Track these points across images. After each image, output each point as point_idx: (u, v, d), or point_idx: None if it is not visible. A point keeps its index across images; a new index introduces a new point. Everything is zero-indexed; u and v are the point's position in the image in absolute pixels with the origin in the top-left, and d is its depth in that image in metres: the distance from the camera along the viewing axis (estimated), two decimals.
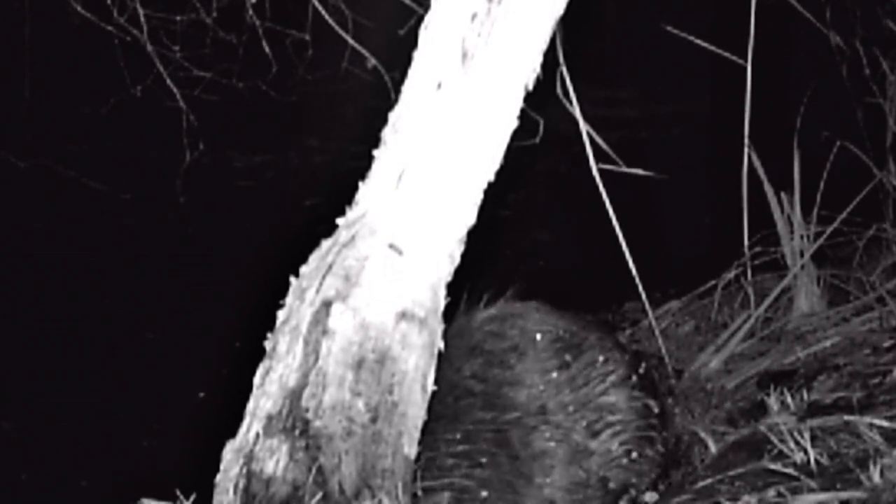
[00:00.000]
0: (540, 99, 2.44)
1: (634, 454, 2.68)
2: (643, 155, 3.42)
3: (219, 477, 2.19)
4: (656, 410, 2.74)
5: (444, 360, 2.30)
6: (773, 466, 2.40)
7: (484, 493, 2.49)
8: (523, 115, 2.32)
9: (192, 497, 2.27)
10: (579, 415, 2.66)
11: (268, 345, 2.25)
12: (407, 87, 2.30)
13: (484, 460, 2.50)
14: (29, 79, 5.06)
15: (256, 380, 2.23)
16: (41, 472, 3.52)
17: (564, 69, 2.94)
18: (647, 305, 3.36)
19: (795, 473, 2.33)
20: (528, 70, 2.28)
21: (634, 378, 2.73)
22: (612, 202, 3.06)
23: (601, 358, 2.72)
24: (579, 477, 2.61)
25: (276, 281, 2.31)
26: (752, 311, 3.67)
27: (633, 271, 3.15)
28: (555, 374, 2.67)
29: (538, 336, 2.71)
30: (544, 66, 2.32)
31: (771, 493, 2.27)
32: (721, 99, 4.10)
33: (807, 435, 2.44)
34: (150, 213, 5.63)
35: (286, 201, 5.89)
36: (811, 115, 3.99)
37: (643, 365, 2.79)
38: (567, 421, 2.64)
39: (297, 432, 2.14)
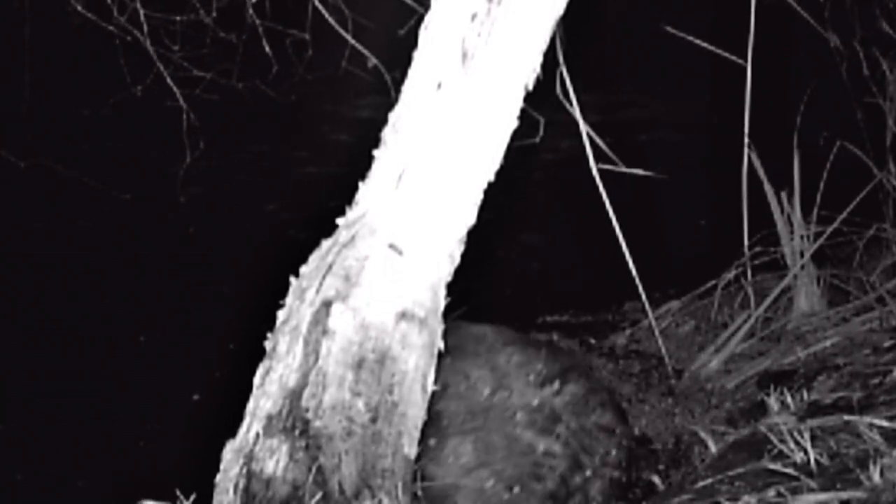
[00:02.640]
0: (540, 99, 2.44)
1: (558, 446, 2.65)
2: (643, 155, 3.42)
3: (219, 477, 2.19)
4: (588, 404, 2.71)
5: None
6: (773, 466, 2.39)
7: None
8: (523, 115, 2.32)
9: (192, 497, 2.26)
10: (483, 414, 2.66)
11: (268, 345, 2.25)
12: (407, 87, 2.30)
13: None
14: (29, 79, 5.05)
15: (256, 380, 2.23)
16: (40, 472, 3.51)
17: (564, 69, 2.94)
18: (647, 305, 3.36)
19: (795, 473, 2.32)
20: (528, 70, 2.28)
21: (558, 383, 2.71)
22: (612, 202, 3.06)
23: (516, 358, 2.72)
24: (483, 468, 2.61)
25: (276, 281, 2.31)
26: (752, 311, 3.67)
27: (633, 271, 3.16)
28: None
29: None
30: (544, 66, 2.32)
31: (771, 493, 2.27)
32: (721, 99, 4.10)
33: (807, 435, 2.44)
34: (150, 213, 5.63)
35: (285, 201, 5.89)
36: (811, 115, 3.98)
37: (564, 362, 2.76)
38: (472, 420, 2.64)
39: (297, 432, 2.14)
